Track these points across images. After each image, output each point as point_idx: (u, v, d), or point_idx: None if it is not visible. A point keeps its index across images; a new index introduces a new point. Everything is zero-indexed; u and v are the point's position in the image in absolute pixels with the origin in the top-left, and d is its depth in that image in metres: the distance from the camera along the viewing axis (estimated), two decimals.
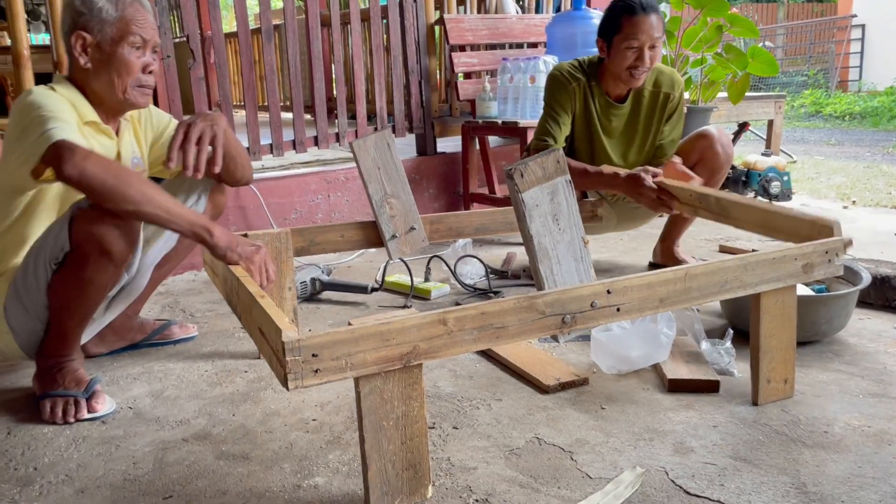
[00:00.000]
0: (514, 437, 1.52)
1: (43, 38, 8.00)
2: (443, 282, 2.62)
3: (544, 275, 1.35)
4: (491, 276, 2.66)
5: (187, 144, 1.63)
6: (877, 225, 3.54)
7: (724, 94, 4.09)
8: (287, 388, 1.15)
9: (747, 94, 4.17)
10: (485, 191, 3.50)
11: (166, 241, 1.93)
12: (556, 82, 2.41)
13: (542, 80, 3.16)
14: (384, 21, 3.46)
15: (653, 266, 2.69)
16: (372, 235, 2.08)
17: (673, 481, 1.34)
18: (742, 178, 4.02)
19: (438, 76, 3.69)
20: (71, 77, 1.74)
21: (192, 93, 2.82)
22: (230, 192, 2.13)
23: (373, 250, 2.97)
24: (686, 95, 2.99)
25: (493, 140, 3.73)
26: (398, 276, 2.63)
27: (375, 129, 3.34)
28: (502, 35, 3.51)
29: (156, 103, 2.69)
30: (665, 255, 2.64)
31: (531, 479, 1.37)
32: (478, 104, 3.34)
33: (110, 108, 1.75)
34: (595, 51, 3.33)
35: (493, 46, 3.55)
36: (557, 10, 4.09)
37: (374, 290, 2.51)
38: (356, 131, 3.25)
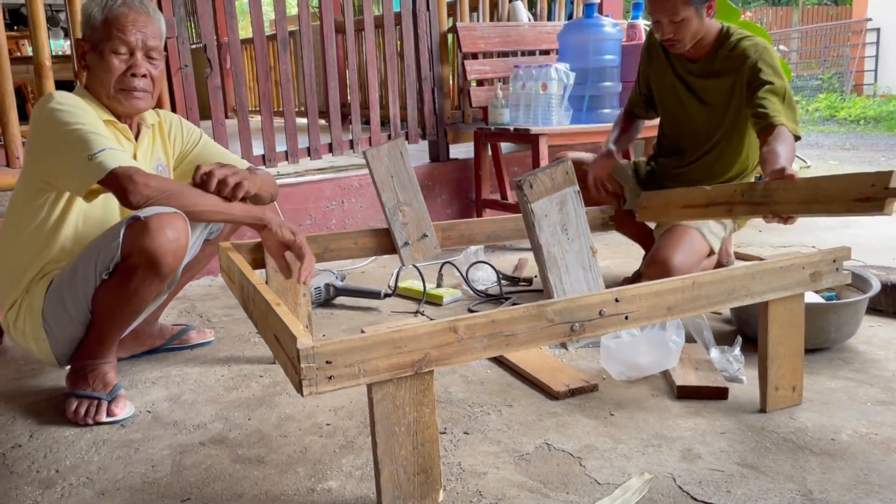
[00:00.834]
0: (523, 443, 1.55)
1: (62, 45, 8.12)
2: (455, 288, 2.65)
3: (553, 283, 1.37)
4: (502, 282, 2.69)
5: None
6: (889, 231, 3.53)
7: None
8: (302, 394, 1.19)
9: None
10: (497, 197, 3.53)
11: (191, 250, 1.98)
12: (644, 43, 2.49)
13: (553, 88, 3.19)
14: (397, 28, 3.50)
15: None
16: (385, 242, 2.12)
17: (680, 487, 1.36)
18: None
19: (451, 83, 3.72)
20: (86, 86, 1.81)
21: (209, 99, 2.87)
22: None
23: (386, 256, 3.00)
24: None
25: (505, 146, 3.76)
26: (411, 282, 2.66)
27: (389, 136, 3.37)
28: (514, 43, 3.54)
29: (173, 109, 2.76)
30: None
31: (540, 484, 1.39)
32: (490, 111, 3.37)
33: (114, 112, 1.81)
34: (610, 57, 3.36)
35: (505, 54, 3.58)
36: (569, 17, 4.12)
37: (386, 295, 2.55)
38: (370, 138, 3.29)
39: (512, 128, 3.20)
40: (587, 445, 1.53)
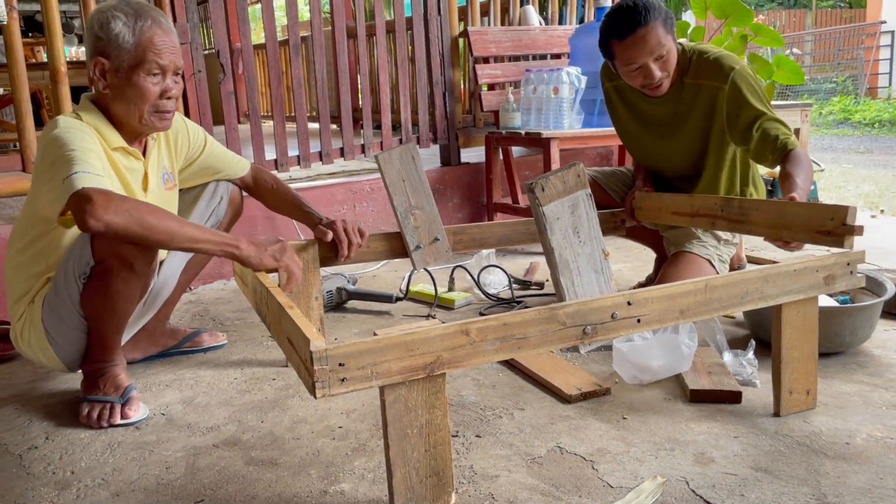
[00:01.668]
0: (535, 446, 1.55)
1: (76, 51, 8.19)
2: (466, 291, 2.65)
3: (565, 286, 1.37)
4: (514, 285, 2.69)
5: None
6: None
7: None
8: (315, 397, 1.19)
9: (773, 102, 4.16)
10: (508, 201, 3.53)
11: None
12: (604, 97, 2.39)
13: (565, 91, 3.19)
14: (409, 33, 3.51)
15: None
16: (397, 246, 2.12)
17: (693, 491, 1.35)
18: (768, 188, 3.99)
19: (462, 87, 3.73)
20: (96, 99, 1.78)
21: (221, 104, 2.89)
22: (259, 204, 2.20)
23: (398, 260, 3.01)
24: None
25: (516, 150, 3.76)
26: (422, 286, 2.67)
27: (400, 140, 3.38)
28: (526, 47, 3.54)
29: (186, 114, 2.77)
30: None
31: (553, 487, 1.39)
32: (501, 115, 3.38)
33: (132, 131, 1.78)
34: None
35: (516, 58, 3.58)
36: (581, 21, 4.12)
37: (398, 299, 2.55)
38: (381, 142, 3.30)
39: (523, 132, 3.21)
40: (599, 449, 1.52)
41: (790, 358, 1.62)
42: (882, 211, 4.31)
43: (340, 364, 1.21)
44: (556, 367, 1.90)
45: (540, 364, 1.92)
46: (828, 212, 1.65)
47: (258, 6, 7.69)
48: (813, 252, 1.87)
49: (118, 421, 1.73)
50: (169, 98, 1.75)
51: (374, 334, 1.28)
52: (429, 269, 2.44)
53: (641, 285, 2.63)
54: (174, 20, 2.73)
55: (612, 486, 1.38)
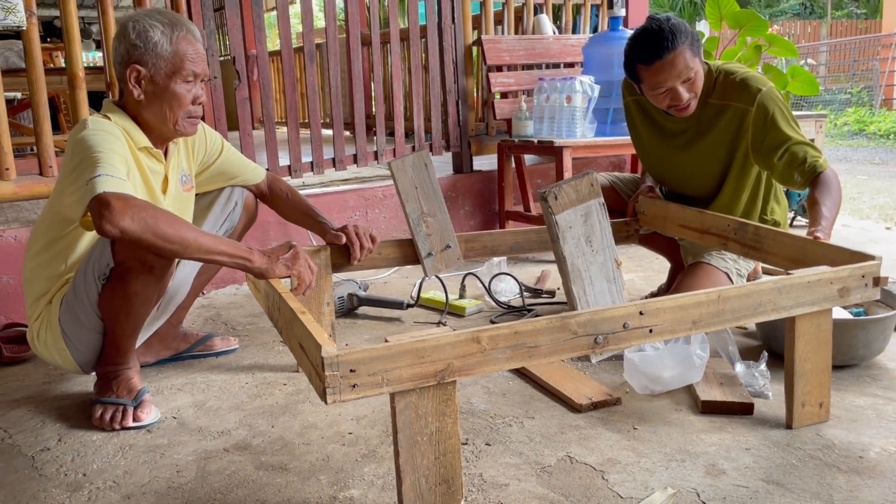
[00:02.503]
0: (545, 455, 1.54)
1: (93, 57, 8.28)
2: (477, 299, 2.65)
3: (577, 295, 1.37)
4: (525, 293, 2.69)
5: None
6: None
7: None
8: (325, 402, 1.20)
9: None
10: (520, 209, 3.53)
11: None
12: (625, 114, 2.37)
13: (577, 100, 3.19)
14: (423, 41, 3.53)
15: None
16: (408, 253, 2.13)
17: (704, 503, 1.34)
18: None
19: (475, 95, 3.74)
20: (122, 104, 1.81)
21: (236, 110, 2.91)
22: (271, 211, 2.22)
23: (409, 267, 3.02)
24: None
25: (528, 159, 3.76)
26: (433, 293, 2.67)
27: (413, 147, 3.39)
28: (539, 55, 3.55)
29: (203, 119, 2.80)
30: None
31: (562, 497, 1.38)
32: (514, 123, 3.38)
33: (160, 136, 1.82)
34: None
35: (529, 66, 3.59)
36: (595, 30, 4.12)
37: (409, 306, 2.56)
38: (394, 150, 3.31)
39: (536, 140, 3.21)
40: (610, 459, 1.52)
41: (803, 370, 1.61)
42: None
43: (351, 370, 1.21)
44: (567, 376, 1.89)
45: (550, 373, 1.92)
46: (854, 258, 1.64)
47: (274, 13, 7.75)
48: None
49: (130, 424, 1.75)
50: (199, 104, 1.80)
51: (386, 341, 1.28)
52: (440, 276, 2.45)
53: (653, 295, 2.62)
54: None
55: (622, 497, 1.38)
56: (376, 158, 3.27)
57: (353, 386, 1.22)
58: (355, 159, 3.20)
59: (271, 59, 6.38)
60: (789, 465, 1.47)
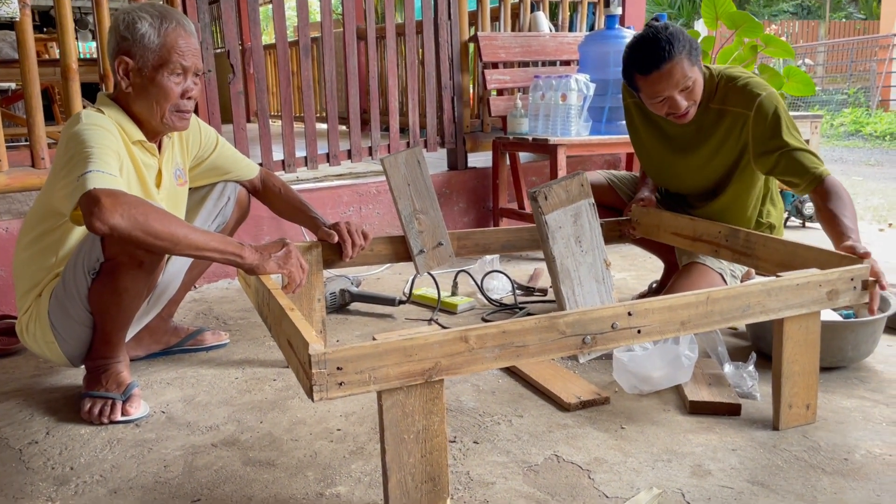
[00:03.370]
0: (532, 454, 1.55)
1: (90, 47, 8.25)
2: (469, 296, 2.65)
3: (566, 295, 1.37)
4: (517, 291, 2.69)
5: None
6: None
7: None
8: (312, 400, 1.20)
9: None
10: (514, 206, 3.53)
11: None
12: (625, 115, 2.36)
13: (573, 98, 3.19)
14: (419, 36, 3.52)
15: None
16: (400, 250, 2.13)
17: (689, 503, 1.35)
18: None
19: (471, 91, 3.73)
20: (115, 97, 1.80)
21: (230, 104, 2.90)
22: (264, 206, 2.22)
23: (402, 263, 3.01)
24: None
25: (523, 156, 3.76)
26: (425, 290, 2.67)
27: (408, 143, 3.39)
28: (535, 53, 3.55)
29: (196, 112, 2.79)
30: None
31: (548, 496, 1.39)
32: (509, 120, 3.38)
33: (151, 129, 1.81)
34: None
35: (525, 64, 3.59)
36: (591, 28, 4.12)
37: (401, 302, 2.56)
38: (388, 145, 3.31)
39: (531, 138, 3.21)
40: (597, 458, 1.52)
41: (791, 372, 1.61)
42: (890, 224, 4.29)
43: (339, 368, 1.21)
44: (556, 375, 1.90)
45: (539, 371, 1.92)
46: (843, 261, 1.65)
47: (270, 6, 7.73)
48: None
49: (119, 417, 1.74)
50: (189, 98, 1.79)
51: (374, 339, 1.28)
52: (432, 273, 2.45)
53: (644, 295, 2.62)
54: None
55: (607, 497, 1.38)
56: (370, 154, 3.26)
57: (340, 384, 1.22)
58: (349, 154, 3.20)
59: (267, 53, 6.36)
60: (775, 467, 1.47)
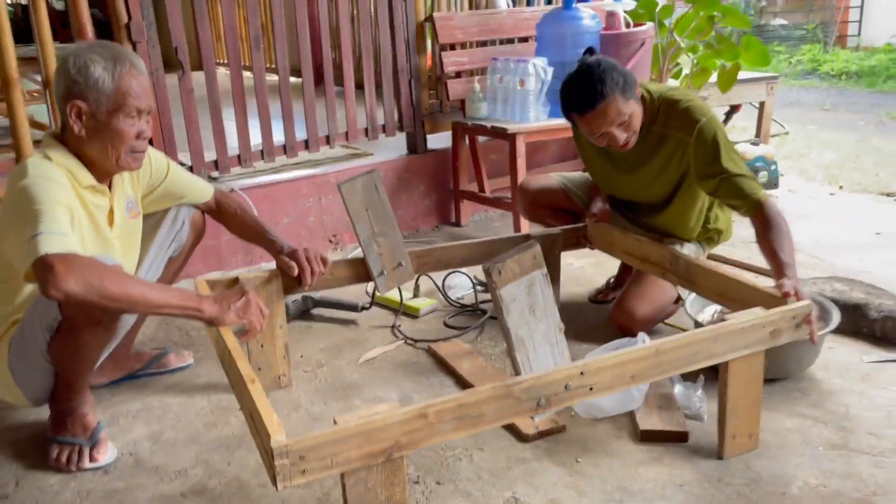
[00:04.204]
0: (493, 497, 1.62)
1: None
2: (431, 297, 2.69)
3: (521, 362, 1.42)
4: (478, 287, 2.73)
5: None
6: (860, 219, 3.61)
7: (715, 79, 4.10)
8: (276, 488, 1.24)
9: (739, 76, 4.18)
10: (474, 188, 3.54)
11: (151, 270, 2.06)
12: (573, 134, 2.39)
13: (531, 84, 3.17)
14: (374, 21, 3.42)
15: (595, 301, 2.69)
16: (361, 272, 2.14)
17: None
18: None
19: (428, 65, 3.64)
20: (63, 139, 1.75)
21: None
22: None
23: None
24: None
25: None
26: (388, 293, 2.69)
27: (366, 129, 3.34)
28: (493, 31, 3.49)
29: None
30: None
31: None
32: (468, 105, 3.35)
33: (103, 171, 1.78)
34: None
35: (483, 43, 3.53)
36: (549, 1, 4.04)
37: (363, 308, 2.59)
38: (346, 133, 3.27)
39: (490, 126, 3.19)
40: (553, 500, 1.61)
41: (735, 407, 1.70)
42: (840, 187, 4.38)
43: (301, 457, 1.25)
44: None
45: None
46: (778, 304, 1.71)
47: None
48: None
49: (87, 465, 1.77)
50: (143, 138, 1.76)
51: (335, 421, 1.32)
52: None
53: (601, 292, 2.69)
54: (129, 18, 2.64)
55: None
56: (328, 142, 3.22)
57: (303, 472, 1.26)
58: (307, 145, 3.16)
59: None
60: None
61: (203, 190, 2.13)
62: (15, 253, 1.56)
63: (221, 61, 5.61)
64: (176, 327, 2.56)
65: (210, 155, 2.95)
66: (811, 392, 2.02)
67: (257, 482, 1.71)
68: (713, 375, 1.99)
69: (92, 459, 1.78)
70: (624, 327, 2.27)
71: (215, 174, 2.99)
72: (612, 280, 2.72)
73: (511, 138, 3.10)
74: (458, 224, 3.58)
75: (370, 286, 2.77)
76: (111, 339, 1.79)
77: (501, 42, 3.58)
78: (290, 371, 2.13)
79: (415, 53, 3.36)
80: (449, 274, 2.73)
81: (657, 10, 3.82)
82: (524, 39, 3.61)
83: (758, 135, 4.65)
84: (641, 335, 1.88)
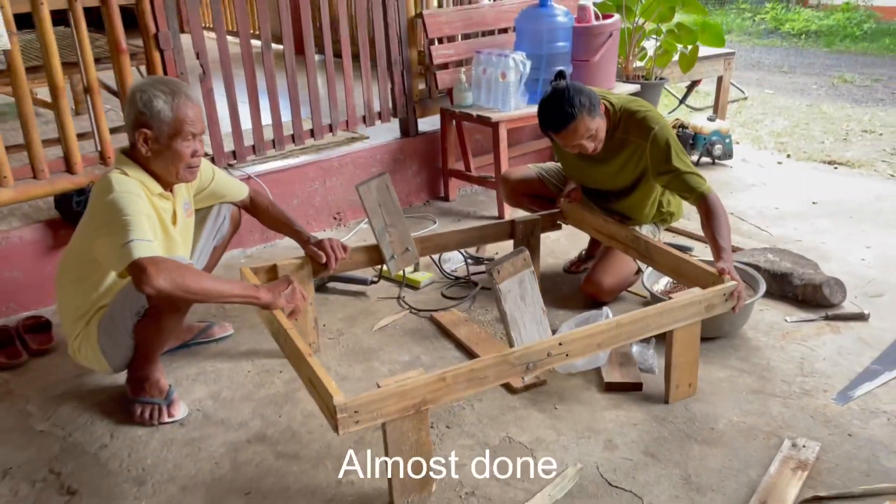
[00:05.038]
0: (491, 437, 2.10)
1: None
2: (429, 271, 3.13)
3: (514, 337, 1.88)
4: (469, 261, 3.17)
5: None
6: (802, 188, 4.08)
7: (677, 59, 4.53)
8: (338, 434, 1.70)
9: (700, 53, 4.60)
10: (461, 167, 3.95)
11: (201, 258, 2.48)
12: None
13: (511, 76, 3.56)
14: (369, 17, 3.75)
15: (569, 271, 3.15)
16: (375, 256, 2.57)
17: (601, 475, 1.93)
18: (689, 141, 4.50)
19: (419, 53, 3.99)
20: (133, 156, 2.14)
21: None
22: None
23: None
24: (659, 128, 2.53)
25: None
26: None
27: (364, 117, 3.72)
28: (476, 24, 3.85)
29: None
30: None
31: (504, 474, 1.95)
32: (455, 93, 3.74)
33: (166, 182, 2.17)
34: (562, 44, 3.72)
35: (467, 35, 3.89)
36: None
37: (372, 282, 3.03)
38: (346, 121, 3.64)
39: (475, 114, 3.59)
40: (538, 438, 2.09)
41: (678, 363, 2.18)
42: (788, 156, 4.84)
43: (355, 412, 1.71)
44: None
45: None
46: (714, 279, 2.18)
47: None
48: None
49: (166, 419, 2.22)
50: (197, 156, 2.15)
51: (378, 385, 1.77)
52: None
53: (574, 263, 3.16)
54: (157, 29, 2.97)
55: (545, 472, 1.95)
56: (331, 131, 3.60)
57: (357, 422, 1.71)
58: (312, 133, 3.54)
59: None
60: (662, 439, 2.07)
61: (240, 190, 2.53)
62: (109, 256, 1.97)
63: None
64: (212, 305, 2.97)
65: (228, 146, 3.32)
66: (741, 348, 2.52)
67: (305, 430, 2.17)
68: (662, 338, 2.48)
69: (169, 415, 2.23)
70: (593, 296, 2.75)
71: (233, 162, 3.37)
72: (584, 252, 3.18)
73: (494, 126, 3.51)
74: (446, 199, 4.01)
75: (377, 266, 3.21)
76: (183, 321, 2.22)
77: (484, 34, 3.94)
78: (318, 339, 2.58)
79: (406, 47, 3.72)
80: None
81: None
82: (504, 31, 3.98)
83: (715, 109, 5.08)
84: (605, 309, 2.35)
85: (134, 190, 2.05)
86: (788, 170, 4.54)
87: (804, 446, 1.99)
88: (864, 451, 1.99)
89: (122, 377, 2.32)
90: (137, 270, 1.88)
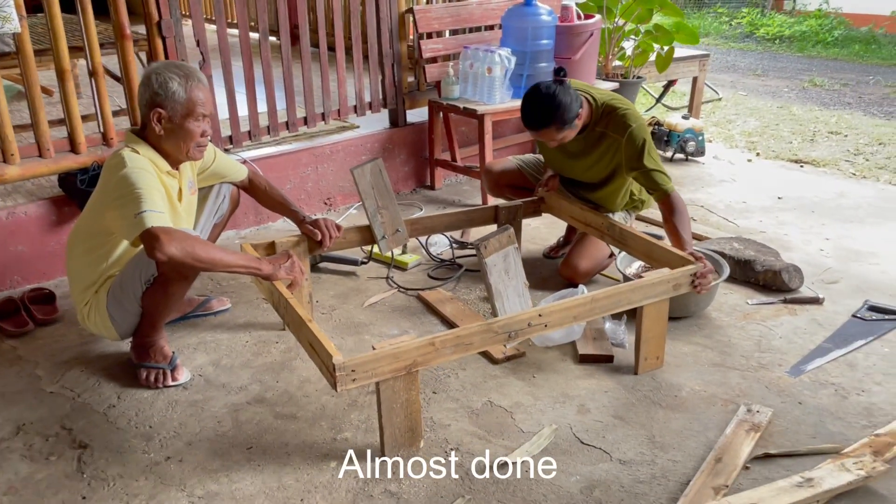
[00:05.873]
0: (474, 401, 2.28)
1: None
2: (416, 253, 3.30)
3: (499, 307, 2.06)
4: (454, 245, 3.35)
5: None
6: (769, 185, 4.30)
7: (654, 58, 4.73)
8: (336, 391, 1.86)
9: (676, 54, 4.81)
10: (447, 157, 4.13)
11: (203, 233, 2.62)
12: None
13: (497, 71, 3.73)
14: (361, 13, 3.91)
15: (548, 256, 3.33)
16: (367, 237, 2.74)
17: (575, 434, 2.12)
18: (664, 138, 4.71)
19: (409, 47, 4.16)
20: (143, 136, 2.28)
21: None
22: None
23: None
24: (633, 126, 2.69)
25: None
26: None
27: (355, 107, 3.88)
28: (464, 21, 4.02)
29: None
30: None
31: (486, 433, 2.13)
32: (443, 86, 3.91)
33: (175, 160, 2.32)
34: (546, 42, 3.90)
35: (455, 31, 4.06)
36: None
37: (362, 262, 3.19)
38: (339, 110, 3.80)
39: (462, 106, 3.76)
40: (517, 402, 2.27)
41: (647, 337, 2.38)
42: (758, 154, 5.08)
43: (352, 370, 1.87)
44: None
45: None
46: (682, 262, 2.37)
47: None
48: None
49: (170, 383, 2.37)
50: (206, 136, 2.30)
51: (373, 348, 1.94)
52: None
53: (553, 248, 3.35)
54: (160, 17, 3.11)
55: (523, 432, 2.14)
56: (323, 119, 3.75)
57: (354, 380, 1.88)
58: (306, 121, 3.69)
59: None
60: (630, 404, 2.26)
61: (240, 171, 2.68)
62: (122, 225, 2.12)
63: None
64: (208, 278, 3.12)
65: (225, 131, 3.47)
66: (705, 326, 2.72)
67: (301, 394, 2.33)
68: (633, 315, 2.67)
69: (174, 379, 2.38)
70: (570, 279, 2.94)
71: (229, 147, 3.51)
72: (562, 238, 3.37)
73: (480, 118, 3.68)
74: (432, 188, 4.18)
75: (367, 247, 3.38)
76: (188, 290, 2.37)
77: (471, 30, 4.11)
78: (313, 314, 2.74)
79: (397, 41, 3.88)
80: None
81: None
82: (490, 27, 4.15)
83: (690, 109, 5.30)
84: (581, 287, 2.54)
85: (145, 166, 2.20)
86: (757, 167, 4.76)
87: (758, 411, 2.19)
88: (811, 417, 2.19)
89: (126, 345, 2.47)
90: (150, 238, 2.04)
